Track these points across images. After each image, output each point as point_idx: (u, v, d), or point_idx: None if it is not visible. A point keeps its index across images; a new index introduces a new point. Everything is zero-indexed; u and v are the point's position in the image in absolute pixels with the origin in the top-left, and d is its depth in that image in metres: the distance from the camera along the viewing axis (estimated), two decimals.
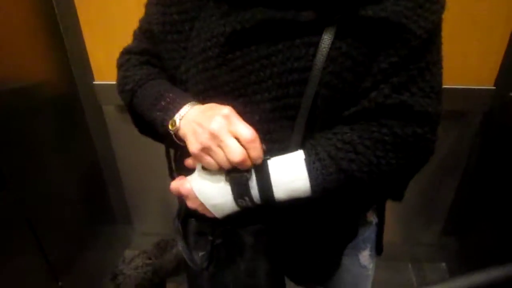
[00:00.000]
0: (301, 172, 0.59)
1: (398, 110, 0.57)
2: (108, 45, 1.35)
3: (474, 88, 1.34)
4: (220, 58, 0.60)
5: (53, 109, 1.36)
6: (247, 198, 0.61)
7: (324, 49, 0.55)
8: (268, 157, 0.60)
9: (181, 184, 0.66)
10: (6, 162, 1.11)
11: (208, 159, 0.58)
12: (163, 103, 0.64)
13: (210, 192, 0.63)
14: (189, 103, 0.62)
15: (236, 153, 0.55)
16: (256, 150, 0.57)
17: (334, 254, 0.81)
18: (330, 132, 0.61)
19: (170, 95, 0.64)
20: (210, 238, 0.75)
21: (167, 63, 0.69)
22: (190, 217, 0.76)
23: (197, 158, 0.60)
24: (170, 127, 0.61)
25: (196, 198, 0.64)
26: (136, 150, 1.62)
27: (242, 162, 0.56)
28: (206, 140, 0.56)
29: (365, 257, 0.90)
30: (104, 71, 1.42)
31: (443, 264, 1.83)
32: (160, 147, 0.80)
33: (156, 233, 1.80)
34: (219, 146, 0.56)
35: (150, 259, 1.57)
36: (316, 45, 0.56)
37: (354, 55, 0.55)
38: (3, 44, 1.10)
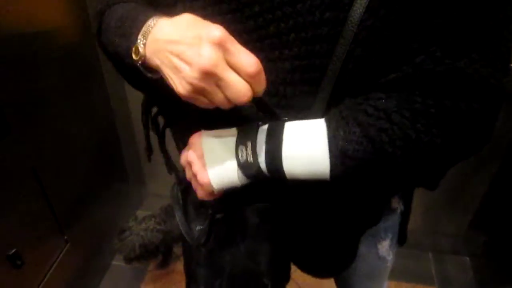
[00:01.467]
0: (318, 128, 0.49)
1: (451, 79, 0.44)
2: None
3: None
4: (234, 1, 0.49)
5: (67, 57, 1.29)
6: (249, 144, 0.50)
7: None
8: (285, 119, 0.51)
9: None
10: (13, 108, 1.06)
11: (202, 99, 0.46)
12: (126, 25, 0.50)
13: (215, 140, 0.54)
14: (152, 17, 0.47)
15: (240, 92, 0.43)
16: (261, 84, 0.44)
17: (350, 242, 0.72)
18: (361, 97, 0.49)
19: (133, 13, 0.50)
20: (210, 211, 0.66)
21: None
22: None
23: (187, 99, 0.47)
24: (133, 56, 0.48)
25: (199, 145, 0.54)
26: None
27: (246, 101, 0.44)
28: (196, 81, 0.43)
29: (385, 247, 0.81)
30: None
31: (467, 259, 1.72)
32: None
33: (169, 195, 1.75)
34: (217, 85, 0.44)
35: (160, 224, 1.54)
36: None
37: (401, 6, 0.43)
38: None
